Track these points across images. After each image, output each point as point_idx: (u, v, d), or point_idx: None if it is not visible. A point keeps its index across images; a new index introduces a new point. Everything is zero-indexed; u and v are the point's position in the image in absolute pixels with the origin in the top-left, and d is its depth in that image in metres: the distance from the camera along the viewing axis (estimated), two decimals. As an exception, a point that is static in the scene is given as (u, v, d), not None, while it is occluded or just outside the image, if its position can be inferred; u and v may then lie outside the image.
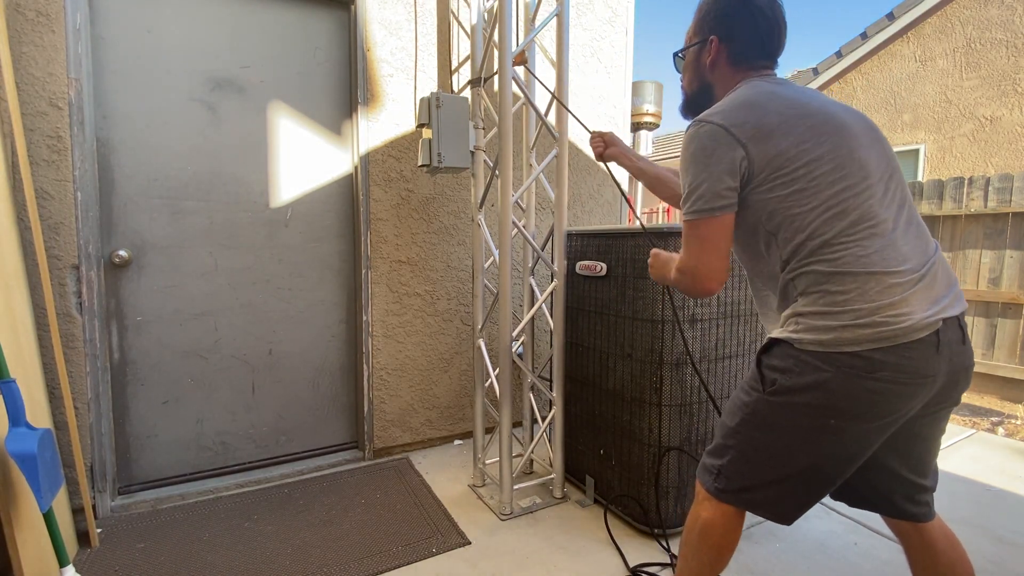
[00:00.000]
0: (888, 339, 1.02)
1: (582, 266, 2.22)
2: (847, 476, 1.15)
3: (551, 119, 2.26)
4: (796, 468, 1.13)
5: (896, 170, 1.16)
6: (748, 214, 1.16)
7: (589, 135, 1.90)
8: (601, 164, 1.77)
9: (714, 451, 1.24)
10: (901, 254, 1.07)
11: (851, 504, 1.28)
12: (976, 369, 3.87)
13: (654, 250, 1.44)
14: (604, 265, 2.10)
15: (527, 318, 2.29)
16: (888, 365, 1.03)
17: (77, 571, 1.58)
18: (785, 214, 1.10)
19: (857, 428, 1.08)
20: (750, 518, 2.09)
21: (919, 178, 6.49)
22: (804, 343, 1.08)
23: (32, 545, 1.50)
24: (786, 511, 1.17)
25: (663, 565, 1.79)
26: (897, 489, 1.22)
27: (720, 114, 1.14)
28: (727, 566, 1.26)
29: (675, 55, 1.40)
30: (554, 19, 2.15)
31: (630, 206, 2.49)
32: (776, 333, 1.15)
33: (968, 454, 2.75)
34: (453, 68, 2.72)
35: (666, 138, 12.42)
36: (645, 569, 1.77)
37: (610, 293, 2.08)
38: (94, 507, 2.03)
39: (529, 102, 2.26)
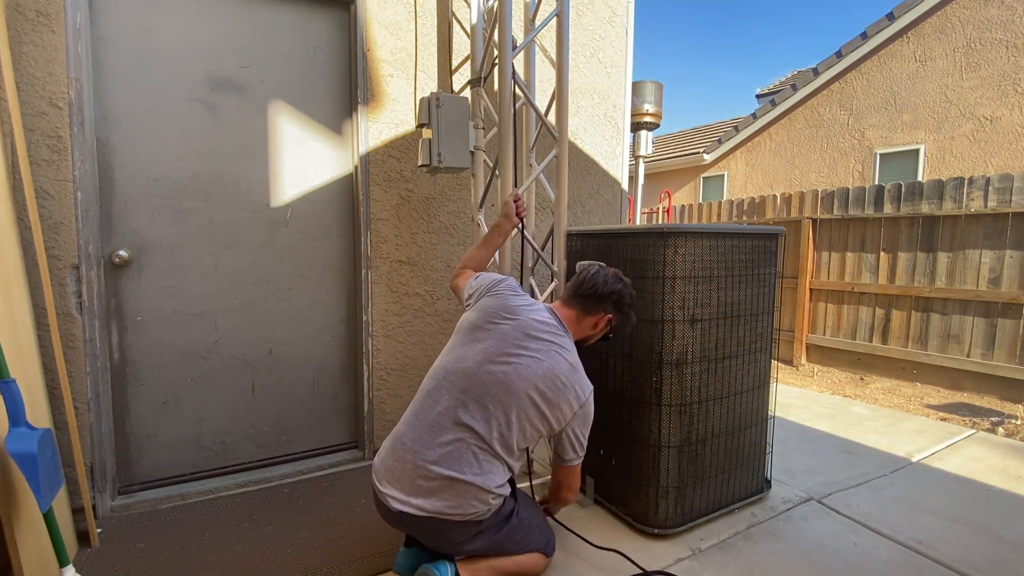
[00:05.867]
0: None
1: (582, 266, 2.22)
2: None
3: (551, 119, 2.26)
4: None
5: (482, 395, 1.51)
6: None
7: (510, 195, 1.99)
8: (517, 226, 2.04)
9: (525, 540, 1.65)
10: (401, 433, 1.56)
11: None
12: (976, 369, 3.88)
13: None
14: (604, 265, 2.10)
15: (527, 318, 2.28)
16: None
17: (77, 571, 1.58)
18: None
19: None
20: (749, 519, 2.09)
21: (919, 178, 6.49)
22: None
23: (32, 545, 1.50)
24: None
25: (661, 568, 1.79)
26: None
27: None
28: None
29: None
30: (554, 19, 2.15)
31: None
32: None
33: (968, 454, 2.75)
34: (453, 68, 2.72)
35: (666, 138, 12.42)
36: (642, 569, 1.77)
37: (610, 293, 2.08)
38: (94, 507, 2.03)
39: (529, 102, 2.26)
